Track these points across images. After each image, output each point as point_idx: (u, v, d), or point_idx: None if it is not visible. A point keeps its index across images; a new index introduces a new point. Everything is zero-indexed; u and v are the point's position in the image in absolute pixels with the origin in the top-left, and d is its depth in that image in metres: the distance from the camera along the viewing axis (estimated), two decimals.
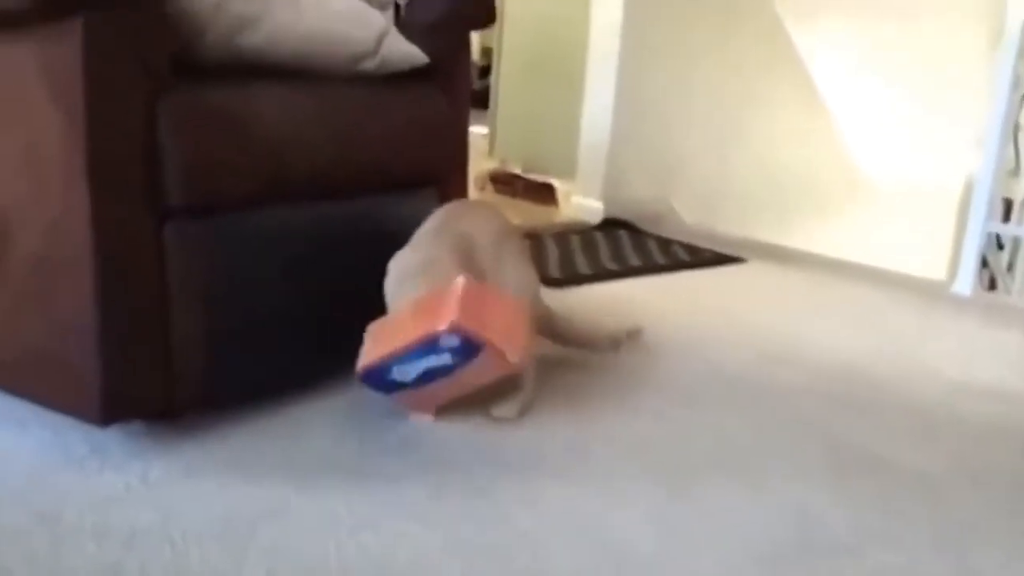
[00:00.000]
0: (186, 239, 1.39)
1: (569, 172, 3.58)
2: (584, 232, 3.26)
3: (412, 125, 1.79)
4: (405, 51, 1.80)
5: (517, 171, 3.93)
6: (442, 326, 1.37)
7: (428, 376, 1.48)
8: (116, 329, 1.33)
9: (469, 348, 1.41)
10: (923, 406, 1.94)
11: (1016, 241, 3.02)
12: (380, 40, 1.76)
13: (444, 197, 1.92)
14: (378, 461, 1.48)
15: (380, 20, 1.78)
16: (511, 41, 3.88)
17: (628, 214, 3.43)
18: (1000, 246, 3.25)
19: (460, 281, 1.44)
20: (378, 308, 1.59)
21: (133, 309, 1.35)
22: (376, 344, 1.47)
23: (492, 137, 4.02)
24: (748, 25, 3.69)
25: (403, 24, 1.86)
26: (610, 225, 3.38)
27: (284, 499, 1.35)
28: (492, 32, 3.98)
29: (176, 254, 1.38)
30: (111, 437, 1.50)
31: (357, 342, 1.52)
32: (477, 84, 5.51)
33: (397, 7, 1.88)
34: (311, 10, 1.66)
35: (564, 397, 1.82)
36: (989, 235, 2.90)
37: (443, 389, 1.54)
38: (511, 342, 1.43)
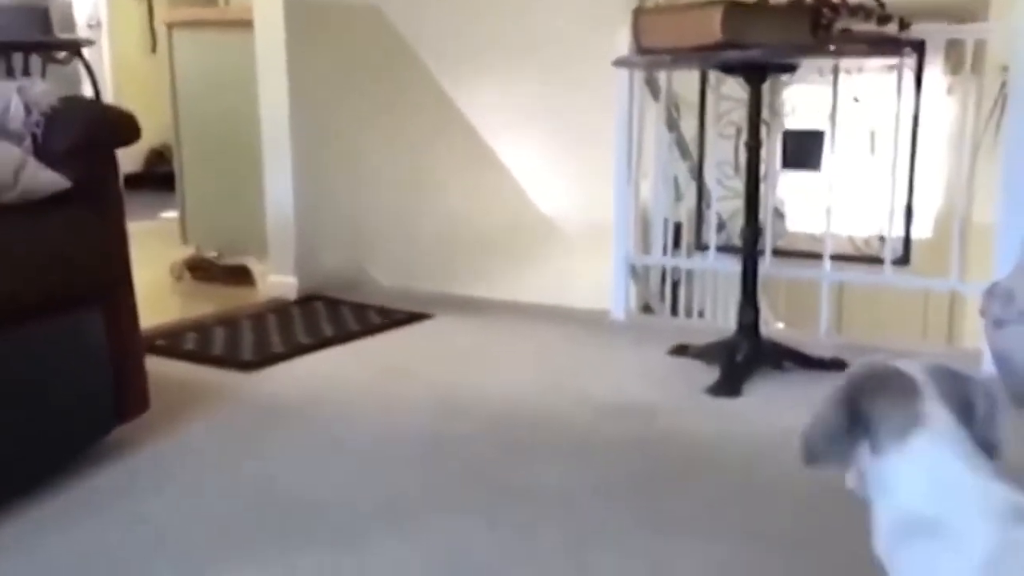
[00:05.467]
0: None
1: (263, 252, 3.70)
2: (281, 309, 3.38)
3: (59, 249, 1.87)
4: (45, 179, 1.87)
5: (212, 256, 3.98)
6: None
7: None
8: None
9: None
10: (574, 432, 2.23)
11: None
12: (17, 173, 1.82)
13: (111, 312, 2.00)
14: None
15: (15, 153, 1.85)
16: (188, 133, 3.95)
17: (325, 285, 3.59)
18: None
19: None
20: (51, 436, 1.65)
21: None
22: None
23: (183, 224, 4.05)
24: (412, 94, 3.97)
25: (42, 151, 1.93)
26: (308, 299, 3.52)
27: None
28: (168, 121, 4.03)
29: None
30: None
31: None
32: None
33: (34, 136, 1.94)
34: None
35: (248, 458, 1.95)
36: (631, 264, 3.29)
37: None
38: None
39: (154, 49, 6.94)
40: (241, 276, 3.84)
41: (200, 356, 2.81)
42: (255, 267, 3.79)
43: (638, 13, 2.62)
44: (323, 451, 2.11)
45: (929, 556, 0.96)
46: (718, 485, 1.93)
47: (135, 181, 6.97)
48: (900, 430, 0.99)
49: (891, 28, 2.43)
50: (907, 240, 3.01)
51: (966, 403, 1.01)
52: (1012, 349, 2.27)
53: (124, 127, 2.04)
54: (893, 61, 2.85)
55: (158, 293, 3.70)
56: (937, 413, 0.99)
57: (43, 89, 1.99)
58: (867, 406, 1.02)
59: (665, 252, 3.37)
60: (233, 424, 2.29)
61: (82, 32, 6.41)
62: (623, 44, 2.94)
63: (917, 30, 2.54)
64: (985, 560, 0.91)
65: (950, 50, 4.17)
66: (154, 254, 4.02)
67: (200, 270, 3.98)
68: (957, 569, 0.93)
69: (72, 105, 2.02)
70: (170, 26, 3.96)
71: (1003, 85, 2.88)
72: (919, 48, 2.66)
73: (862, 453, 1.03)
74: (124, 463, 2.01)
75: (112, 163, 2.05)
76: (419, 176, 4.05)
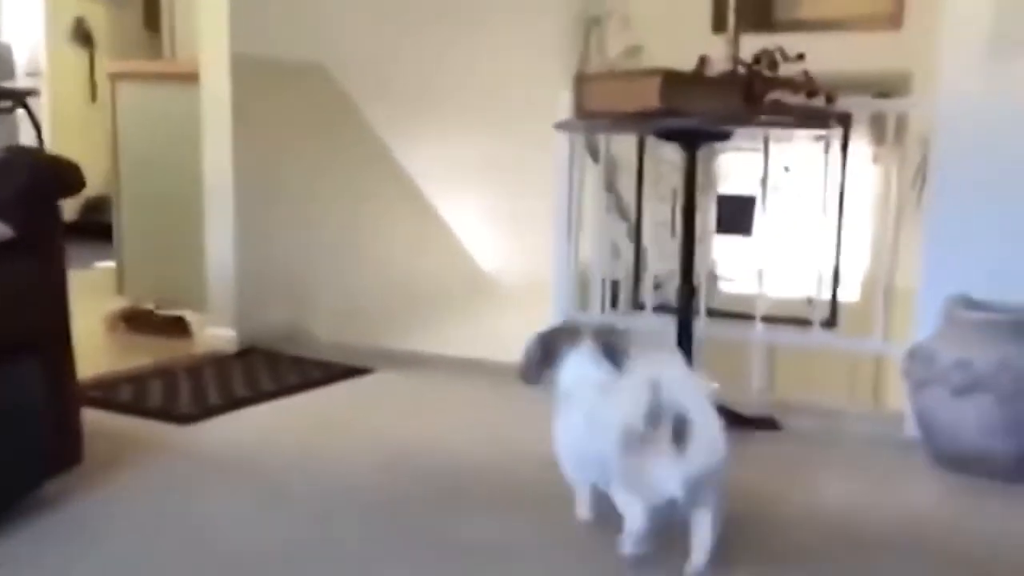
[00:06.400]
0: None
1: (200, 304, 3.68)
2: (219, 362, 3.36)
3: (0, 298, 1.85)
4: None
5: (149, 307, 3.94)
6: None
7: None
8: None
9: None
10: (515, 484, 2.25)
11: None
12: None
13: (49, 362, 1.98)
14: None
15: None
16: (128, 184, 3.93)
17: (264, 339, 3.58)
18: None
19: None
20: None
21: None
22: None
23: (120, 275, 4.01)
24: (354, 150, 4.02)
25: None
26: (247, 352, 3.50)
27: None
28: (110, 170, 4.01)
29: None
30: None
31: None
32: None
33: None
34: None
35: (184, 512, 1.93)
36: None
37: None
38: None
39: (94, 99, 6.90)
40: (178, 328, 3.80)
41: (136, 408, 2.78)
42: (192, 319, 3.77)
43: (580, 79, 2.71)
44: (262, 505, 2.10)
45: (566, 414, 1.92)
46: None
47: (70, 230, 6.88)
48: (567, 351, 1.93)
49: (818, 101, 2.55)
50: (834, 303, 3.12)
51: (609, 342, 1.91)
52: (933, 408, 2.37)
53: (69, 177, 2.05)
54: (821, 132, 2.98)
55: (92, 344, 3.65)
56: (587, 343, 1.92)
57: None
58: (553, 343, 1.96)
59: (603, 310, 3.44)
60: (169, 477, 2.27)
61: (21, 79, 6.37)
62: (564, 107, 3.04)
63: (843, 103, 2.67)
64: (587, 412, 1.83)
65: (875, 121, 4.36)
66: (88, 305, 3.95)
67: (136, 321, 3.94)
68: (575, 418, 1.88)
69: (16, 155, 2.03)
70: (114, 77, 3.96)
71: (924, 157, 3.03)
72: (845, 120, 2.79)
73: (551, 373, 1.95)
74: (56, 516, 1.98)
75: (55, 213, 2.06)
76: (360, 231, 4.08)
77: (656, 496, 1.65)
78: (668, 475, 1.62)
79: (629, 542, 1.72)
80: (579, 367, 1.90)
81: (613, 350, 1.89)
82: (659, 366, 1.70)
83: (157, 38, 6.57)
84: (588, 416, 1.82)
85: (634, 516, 1.70)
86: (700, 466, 1.63)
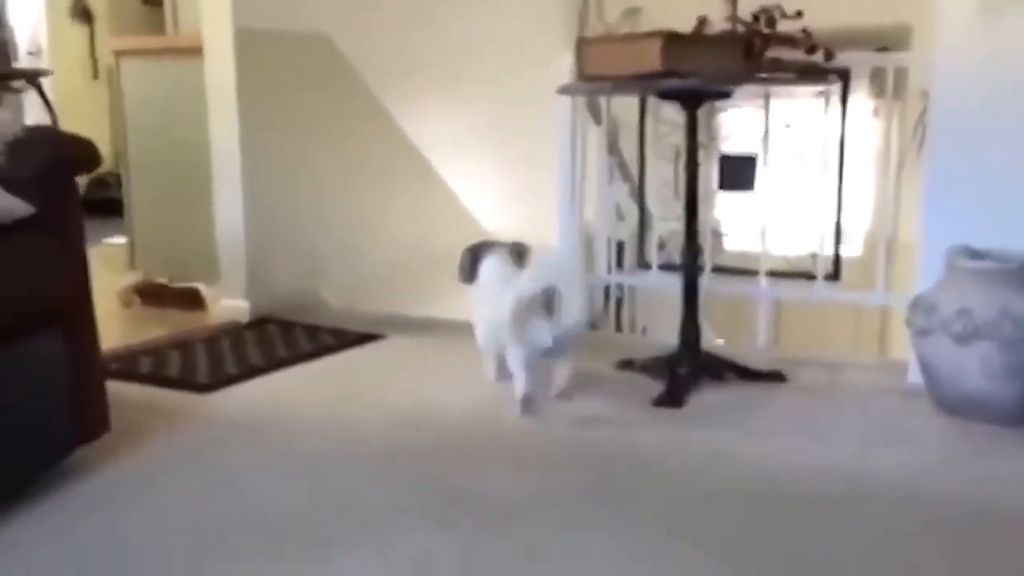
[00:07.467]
0: None
1: (213, 276, 3.73)
2: (234, 332, 3.42)
3: (23, 273, 1.91)
4: (8, 206, 1.91)
5: (163, 281, 4.00)
6: None
7: None
8: None
9: None
10: (527, 442, 2.32)
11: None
12: None
13: (72, 334, 2.04)
14: None
15: None
16: (137, 159, 3.97)
17: (277, 308, 3.64)
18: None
19: None
20: (13, 457, 1.68)
21: None
22: None
23: (132, 251, 4.06)
24: (360, 120, 4.05)
25: (4, 178, 1.97)
26: (261, 322, 3.56)
27: None
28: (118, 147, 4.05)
29: None
30: None
31: None
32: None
33: None
34: None
35: (211, 476, 2.00)
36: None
37: None
38: None
39: (95, 76, 6.92)
40: (192, 300, 3.86)
41: (156, 379, 2.85)
42: (206, 291, 3.82)
43: (581, 42, 2.74)
44: (285, 467, 2.17)
45: (480, 297, 2.66)
46: (663, 491, 2.03)
47: None
48: (484, 257, 2.67)
49: (817, 57, 2.57)
50: (837, 257, 3.16)
51: (516, 249, 2.67)
52: (936, 357, 2.43)
53: (86, 154, 2.10)
54: (820, 88, 3.00)
55: (108, 318, 3.67)
56: (499, 252, 2.67)
57: (6, 118, 2.04)
58: (478, 251, 2.70)
59: (609, 270, 3.49)
60: (194, 444, 2.33)
61: (22, 59, 6.38)
62: (566, 71, 3.06)
63: (842, 58, 2.69)
64: (494, 294, 2.54)
65: (875, 75, 4.38)
66: (102, 279, 3.99)
67: (150, 295, 3.99)
68: (487, 299, 2.61)
69: (35, 134, 2.07)
70: (118, 54, 3.99)
71: (923, 110, 3.06)
72: (844, 76, 2.82)
73: (477, 273, 2.68)
74: (87, 483, 2.04)
75: (73, 189, 2.11)
76: (367, 199, 4.12)
77: (535, 346, 2.39)
78: (543, 332, 2.36)
79: (521, 395, 2.44)
80: (492, 265, 2.64)
81: (518, 254, 2.65)
82: (549, 261, 2.61)
83: (156, 12, 6.57)
84: (495, 297, 2.52)
85: (522, 378, 2.44)
86: (564, 327, 2.37)
